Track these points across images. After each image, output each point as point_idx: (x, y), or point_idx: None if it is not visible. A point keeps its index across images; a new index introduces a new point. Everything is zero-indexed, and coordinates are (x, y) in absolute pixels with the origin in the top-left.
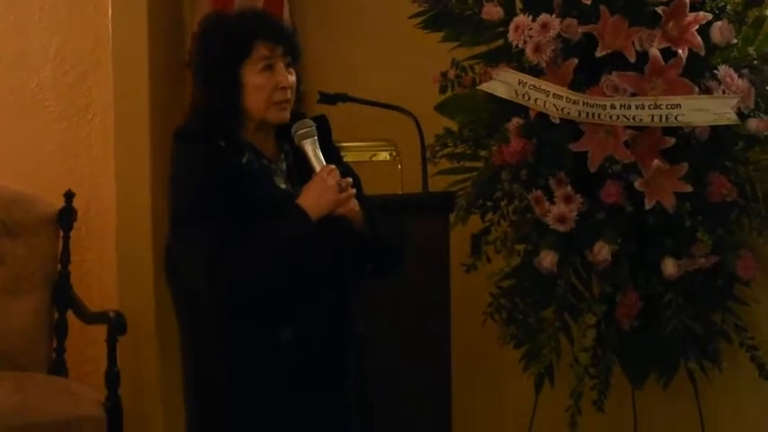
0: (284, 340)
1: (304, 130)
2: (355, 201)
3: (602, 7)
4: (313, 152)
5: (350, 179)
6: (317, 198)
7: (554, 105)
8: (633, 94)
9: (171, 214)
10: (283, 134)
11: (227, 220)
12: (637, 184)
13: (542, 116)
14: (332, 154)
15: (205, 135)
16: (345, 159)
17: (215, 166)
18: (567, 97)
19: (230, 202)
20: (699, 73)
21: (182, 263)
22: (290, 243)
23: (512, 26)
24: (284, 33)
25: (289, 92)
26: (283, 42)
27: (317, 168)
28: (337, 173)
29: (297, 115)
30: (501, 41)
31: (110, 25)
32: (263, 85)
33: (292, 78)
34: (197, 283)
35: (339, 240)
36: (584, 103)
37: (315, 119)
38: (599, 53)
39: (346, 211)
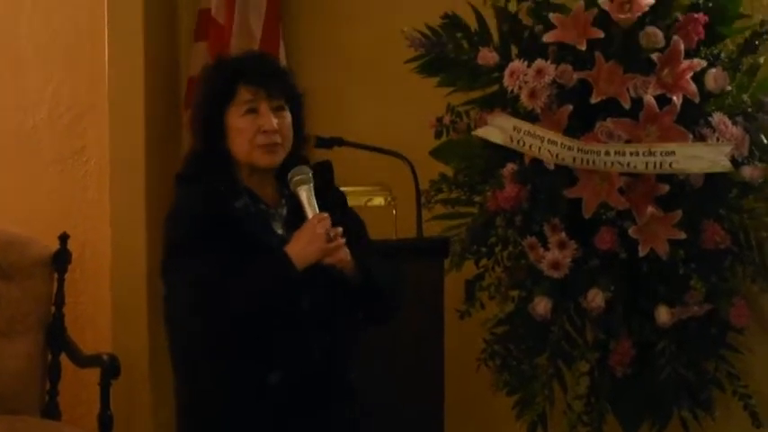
0: (272, 382)
1: (299, 177)
2: (346, 250)
3: (597, 53)
4: (307, 199)
5: (340, 229)
6: (304, 246)
7: (549, 151)
8: (628, 141)
9: (162, 248)
10: (284, 179)
11: (214, 258)
12: (631, 231)
13: (537, 162)
14: (334, 200)
15: (203, 178)
16: None
17: (209, 207)
18: (561, 143)
19: (221, 243)
20: (693, 120)
21: (167, 293)
22: (269, 286)
23: (507, 71)
24: (270, 75)
25: (277, 136)
26: (268, 85)
27: (310, 215)
28: (328, 221)
29: (298, 160)
30: (496, 87)
31: (106, 67)
32: (246, 129)
33: (280, 121)
34: (177, 311)
35: (328, 287)
36: (578, 150)
37: (320, 164)
38: (594, 99)
39: (334, 260)
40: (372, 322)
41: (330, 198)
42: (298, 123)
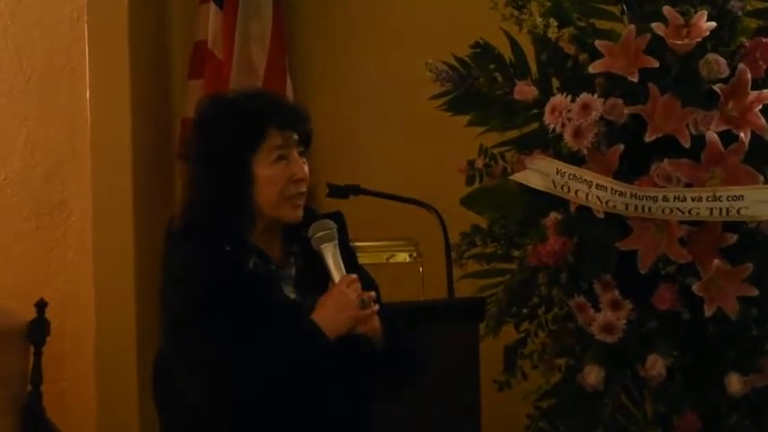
0: None
1: (323, 233)
2: (377, 318)
3: (650, 85)
4: (333, 258)
5: (373, 294)
6: (335, 314)
7: (597, 198)
8: (688, 185)
9: (167, 319)
10: (292, 235)
11: (230, 329)
12: (694, 288)
13: (584, 210)
14: (347, 257)
15: (206, 234)
16: (360, 261)
17: (219, 271)
18: (612, 188)
19: (234, 310)
20: (764, 159)
21: (178, 372)
22: (302, 363)
23: (548, 107)
24: (299, 118)
25: (303, 185)
26: (298, 129)
27: (337, 278)
28: (359, 285)
29: (307, 212)
30: (536, 125)
31: (88, 110)
32: (277, 178)
33: (307, 169)
34: (194, 394)
35: (355, 358)
36: (631, 195)
37: (330, 217)
38: (648, 138)
39: (367, 329)
40: (391, 394)
41: (345, 256)
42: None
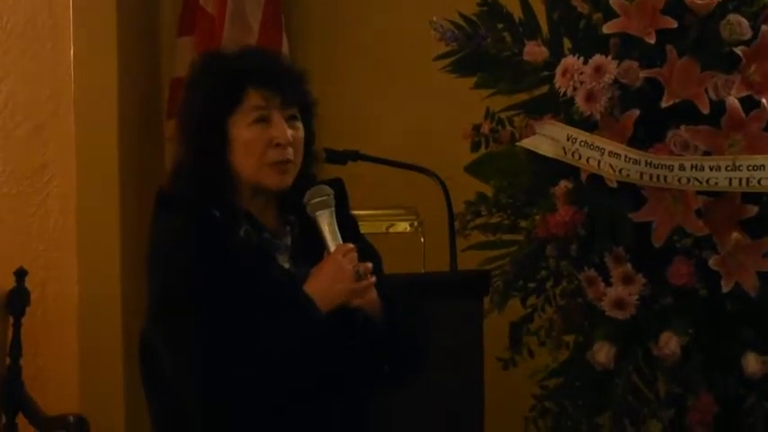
0: None
1: (319, 199)
2: (374, 289)
3: (668, 47)
4: (329, 227)
5: (369, 264)
6: (329, 285)
7: (610, 166)
8: (706, 153)
9: (152, 298)
10: (287, 201)
11: (221, 311)
12: (711, 262)
13: (596, 179)
14: (348, 227)
15: (194, 201)
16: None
17: (207, 242)
18: (626, 156)
19: (226, 287)
20: None
21: (166, 359)
22: (298, 343)
23: (559, 69)
24: (286, 78)
25: (290, 150)
26: (283, 89)
27: (332, 247)
28: (356, 255)
29: (306, 179)
30: (546, 88)
31: (71, 68)
32: (255, 141)
33: (294, 134)
34: (184, 387)
35: (351, 336)
36: (646, 164)
37: (328, 183)
38: (665, 103)
39: (363, 302)
40: (393, 380)
41: (344, 226)
42: (309, 137)
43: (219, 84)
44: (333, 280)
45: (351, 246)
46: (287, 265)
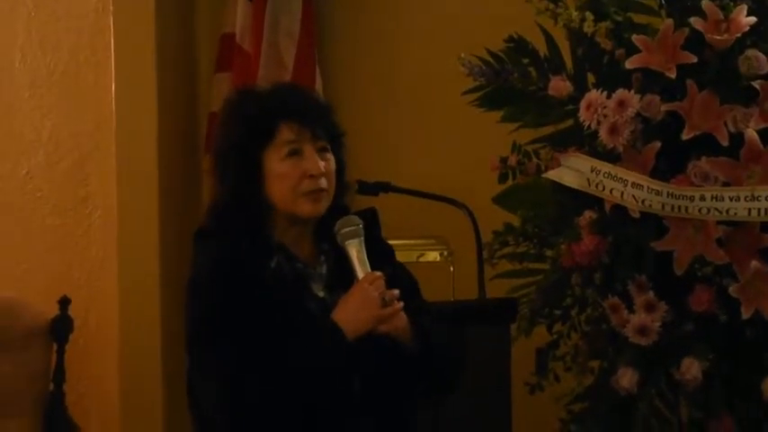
0: None
1: (348, 229)
2: (403, 316)
3: (689, 82)
4: (357, 256)
5: (396, 292)
6: (355, 313)
7: (633, 197)
8: (726, 184)
9: (186, 329)
10: (322, 231)
11: (248, 340)
12: (731, 290)
13: (619, 209)
14: (382, 254)
15: (226, 233)
16: None
17: (236, 273)
18: (648, 187)
19: (254, 317)
20: None
21: (197, 387)
22: (316, 364)
23: (583, 104)
24: (314, 112)
25: (323, 180)
26: (313, 123)
27: (360, 275)
28: (383, 282)
29: (339, 209)
30: (571, 122)
31: (113, 103)
32: (289, 174)
33: (326, 165)
34: (213, 413)
35: (380, 362)
36: (668, 195)
37: (362, 213)
38: (685, 135)
39: (390, 329)
40: (428, 399)
41: (377, 253)
42: (339, 167)
43: (253, 120)
44: (359, 307)
45: (378, 274)
46: (321, 294)
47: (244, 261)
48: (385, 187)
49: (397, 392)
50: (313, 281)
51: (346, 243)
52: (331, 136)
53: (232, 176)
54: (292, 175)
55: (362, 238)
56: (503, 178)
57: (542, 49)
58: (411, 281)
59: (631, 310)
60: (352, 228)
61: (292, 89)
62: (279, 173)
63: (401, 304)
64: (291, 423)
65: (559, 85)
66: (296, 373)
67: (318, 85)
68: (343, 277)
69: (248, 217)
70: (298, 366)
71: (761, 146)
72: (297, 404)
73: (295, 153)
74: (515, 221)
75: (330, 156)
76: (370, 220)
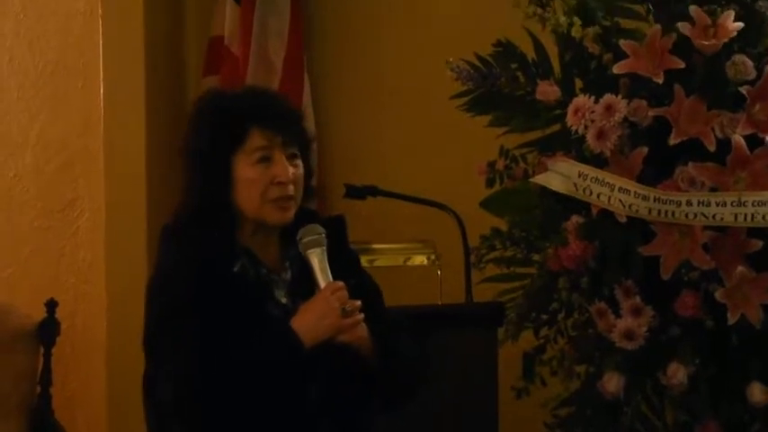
0: None
1: (310, 238)
2: (363, 326)
3: (676, 87)
4: (319, 265)
5: (358, 303)
6: (315, 321)
7: (620, 201)
8: (713, 189)
9: (145, 328)
10: (290, 237)
11: (205, 343)
12: (717, 295)
13: (606, 214)
14: (347, 263)
15: (192, 234)
16: (376, 264)
17: (199, 275)
18: (635, 192)
19: (213, 320)
20: None
21: (155, 388)
22: (270, 370)
23: (570, 108)
24: (286, 118)
25: (290, 187)
26: (284, 129)
27: (322, 284)
28: (345, 293)
29: (306, 215)
30: (558, 126)
31: (101, 105)
32: (257, 180)
33: (294, 172)
34: (170, 413)
35: (339, 371)
36: (655, 200)
37: (330, 220)
38: (672, 140)
39: (350, 338)
40: (386, 409)
41: (342, 262)
42: (308, 173)
43: (223, 123)
44: (319, 316)
45: (340, 284)
46: (284, 300)
47: (207, 263)
48: (372, 191)
49: (354, 401)
50: (277, 286)
51: (308, 252)
52: (301, 143)
53: (201, 179)
54: (261, 180)
55: (325, 248)
56: (490, 183)
57: (530, 53)
58: (375, 290)
59: (618, 315)
60: (314, 237)
61: (264, 94)
62: (248, 178)
63: (362, 315)
64: (246, 426)
65: (547, 90)
66: (251, 378)
67: (306, 89)
68: (306, 284)
69: (215, 219)
70: (253, 371)
71: (747, 152)
72: (251, 408)
73: (266, 159)
74: (502, 226)
75: (299, 162)
76: (338, 228)
